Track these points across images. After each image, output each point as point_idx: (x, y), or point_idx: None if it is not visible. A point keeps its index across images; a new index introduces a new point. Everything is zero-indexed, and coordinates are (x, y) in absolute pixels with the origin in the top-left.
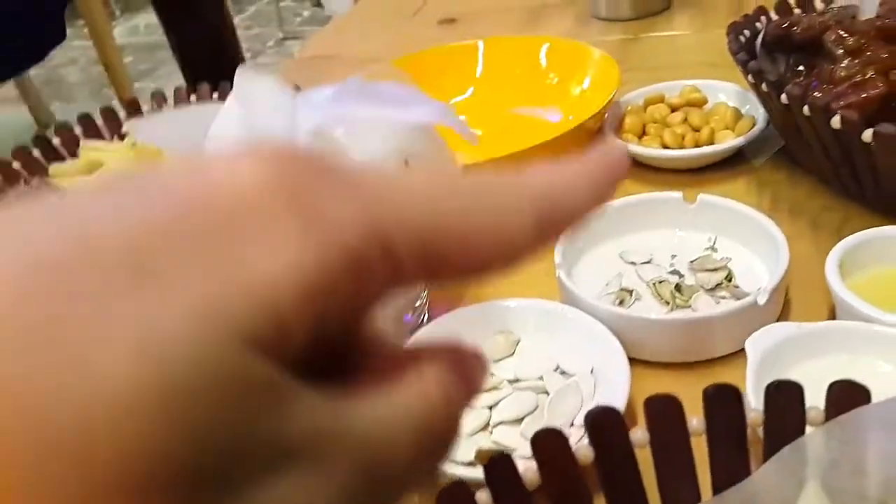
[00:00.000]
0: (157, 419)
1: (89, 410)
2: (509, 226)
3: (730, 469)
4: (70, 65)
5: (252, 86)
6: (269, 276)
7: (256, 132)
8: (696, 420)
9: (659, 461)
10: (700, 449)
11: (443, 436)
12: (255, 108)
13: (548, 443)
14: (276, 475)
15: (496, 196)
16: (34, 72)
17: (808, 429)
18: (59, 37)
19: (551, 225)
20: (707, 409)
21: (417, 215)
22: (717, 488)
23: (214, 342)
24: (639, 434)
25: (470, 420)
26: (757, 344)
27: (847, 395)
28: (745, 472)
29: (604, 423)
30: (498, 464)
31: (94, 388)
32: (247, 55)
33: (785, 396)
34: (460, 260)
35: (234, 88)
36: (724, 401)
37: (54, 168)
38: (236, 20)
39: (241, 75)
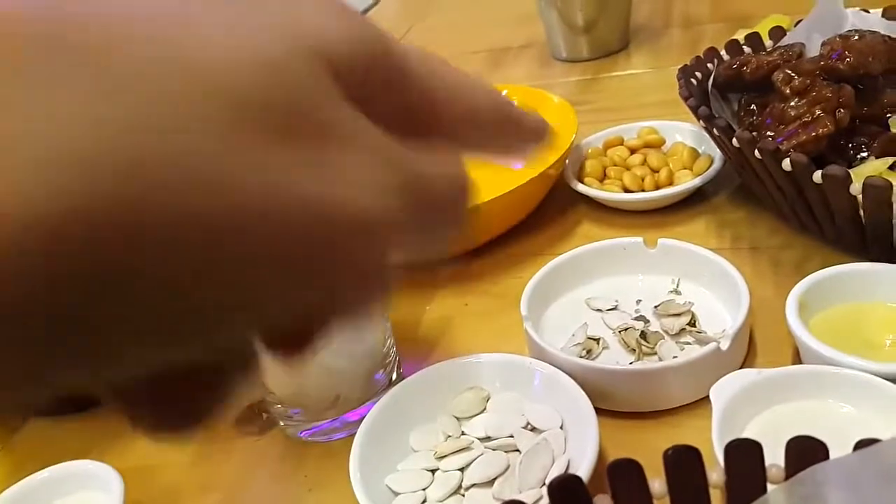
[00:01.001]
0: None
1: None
2: (480, 96)
3: None
4: None
5: None
6: (323, 26)
7: None
8: (658, 483)
9: None
10: None
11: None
12: None
13: None
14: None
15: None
16: None
17: (770, 487)
18: None
19: (506, 126)
20: (668, 471)
21: (415, 60)
22: None
23: (301, 47)
24: (602, 502)
25: (442, 483)
26: (721, 393)
27: (806, 451)
28: None
29: (566, 492)
30: None
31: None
32: None
33: (744, 455)
34: (440, 106)
35: None
36: (684, 463)
37: None
38: None
39: None
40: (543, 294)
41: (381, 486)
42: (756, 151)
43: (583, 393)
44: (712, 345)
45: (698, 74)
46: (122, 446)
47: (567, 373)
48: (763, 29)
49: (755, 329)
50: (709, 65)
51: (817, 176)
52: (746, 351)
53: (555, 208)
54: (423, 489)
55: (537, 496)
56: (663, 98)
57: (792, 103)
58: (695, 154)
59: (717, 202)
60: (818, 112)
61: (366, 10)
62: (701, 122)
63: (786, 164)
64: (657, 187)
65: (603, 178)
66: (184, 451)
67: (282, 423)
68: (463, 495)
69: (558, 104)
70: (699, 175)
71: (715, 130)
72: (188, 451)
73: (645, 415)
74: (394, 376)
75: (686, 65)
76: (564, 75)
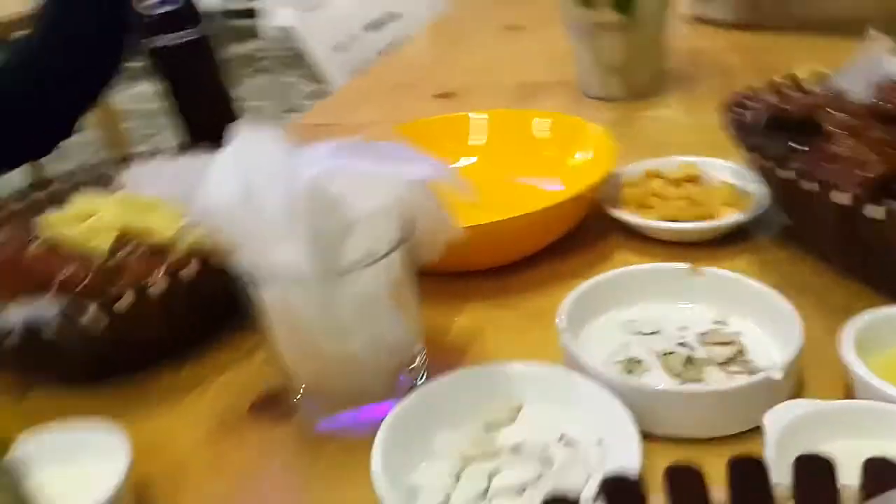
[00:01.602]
0: None
1: None
2: None
3: None
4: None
5: (249, 137)
6: None
7: (251, 181)
8: (719, 492)
9: None
10: None
11: None
12: (250, 157)
13: None
14: None
15: None
16: None
17: None
18: (67, 135)
19: None
20: (731, 480)
21: None
22: None
23: None
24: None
25: (467, 488)
26: (775, 419)
27: (885, 474)
28: None
29: (621, 490)
30: None
31: None
32: None
33: (816, 471)
34: None
35: (230, 139)
36: (749, 473)
37: (46, 217)
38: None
39: (238, 126)
40: (581, 312)
41: (402, 484)
42: (807, 184)
43: (624, 409)
44: (765, 373)
45: (740, 111)
46: (133, 419)
47: (608, 389)
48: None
49: (804, 368)
50: (751, 103)
51: (879, 211)
52: (796, 387)
53: (591, 234)
54: (447, 493)
55: None
56: (698, 139)
57: (841, 144)
58: (736, 192)
59: (760, 242)
60: (869, 153)
61: (394, 45)
62: (749, 154)
63: (841, 196)
64: (697, 220)
65: (641, 208)
66: (196, 431)
67: (300, 414)
68: (489, 502)
69: (596, 131)
70: (742, 212)
71: (764, 162)
72: (201, 432)
73: (688, 441)
74: (419, 382)
75: (729, 100)
76: (596, 112)
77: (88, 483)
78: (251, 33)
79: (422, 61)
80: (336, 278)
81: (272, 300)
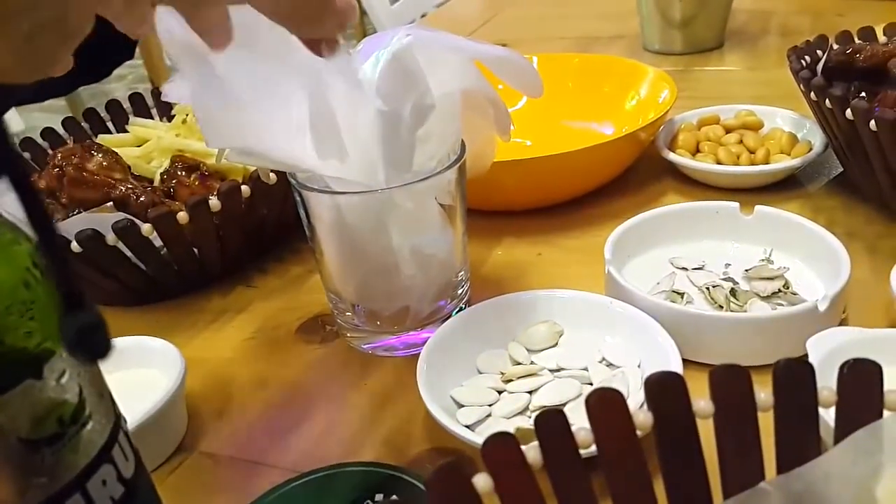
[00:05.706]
0: None
1: None
2: None
3: (798, 448)
4: (117, 81)
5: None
6: None
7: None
8: (763, 394)
9: (722, 434)
10: (765, 426)
11: None
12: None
13: (604, 405)
14: None
15: None
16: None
17: (886, 413)
18: (127, 56)
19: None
20: (777, 384)
21: None
22: (783, 468)
23: None
24: (702, 404)
25: (508, 403)
26: (818, 346)
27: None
28: (814, 453)
29: (664, 388)
30: (550, 419)
31: None
32: None
33: (861, 376)
34: None
35: None
36: (795, 377)
37: (102, 138)
38: None
39: None
40: (626, 246)
41: (446, 397)
42: (872, 122)
43: (667, 334)
44: (810, 302)
45: (807, 58)
46: (182, 338)
47: (651, 316)
48: None
49: (849, 306)
50: (818, 51)
51: None
52: (840, 322)
53: (642, 177)
54: (489, 405)
55: None
56: (758, 93)
57: None
58: (793, 140)
59: (813, 190)
60: None
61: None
62: (812, 94)
63: None
64: (752, 166)
65: (696, 152)
66: (243, 349)
67: (348, 335)
68: (529, 416)
69: (655, 74)
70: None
71: (827, 102)
72: (248, 349)
73: None
74: (462, 307)
75: (796, 46)
76: (655, 65)
77: (144, 389)
78: None
79: (477, 14)
80: (404, 176)
81: (325, 208)
